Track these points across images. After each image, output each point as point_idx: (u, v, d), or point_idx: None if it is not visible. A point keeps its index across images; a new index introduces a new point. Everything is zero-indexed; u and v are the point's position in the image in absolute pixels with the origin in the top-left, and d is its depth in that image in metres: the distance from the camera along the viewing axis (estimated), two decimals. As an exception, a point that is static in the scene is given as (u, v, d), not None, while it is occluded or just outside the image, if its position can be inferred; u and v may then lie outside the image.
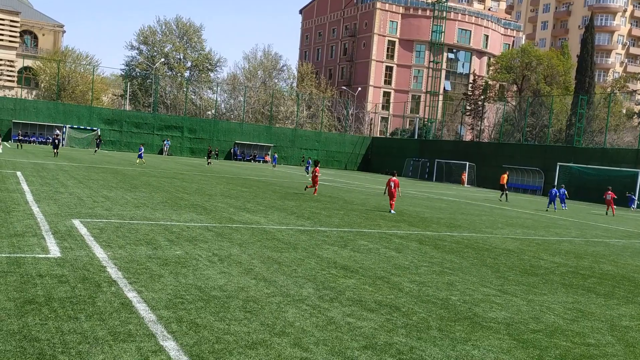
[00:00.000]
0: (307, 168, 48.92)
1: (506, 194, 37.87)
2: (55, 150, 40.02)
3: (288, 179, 37.76)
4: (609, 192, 33.25)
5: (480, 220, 22.16)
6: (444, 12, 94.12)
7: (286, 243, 12.37)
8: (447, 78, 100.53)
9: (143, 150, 40.72)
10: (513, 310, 8.36)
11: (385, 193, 22.96)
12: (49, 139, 59.59)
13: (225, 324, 6.46)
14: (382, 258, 11.68)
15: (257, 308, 7.22)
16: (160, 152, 64.49)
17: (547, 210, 31.12)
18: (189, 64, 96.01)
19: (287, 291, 8.21)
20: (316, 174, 26.33)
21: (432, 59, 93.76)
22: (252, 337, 6.12)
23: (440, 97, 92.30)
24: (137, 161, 39.23)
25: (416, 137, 77.98)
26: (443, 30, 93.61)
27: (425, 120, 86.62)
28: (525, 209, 31.03)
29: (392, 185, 21.96)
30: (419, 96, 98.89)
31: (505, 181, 38.62)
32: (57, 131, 56.68)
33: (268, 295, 7.90)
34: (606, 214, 33.20)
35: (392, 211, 21.49)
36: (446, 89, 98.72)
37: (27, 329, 5.71)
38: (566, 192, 34.10)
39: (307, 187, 27.69)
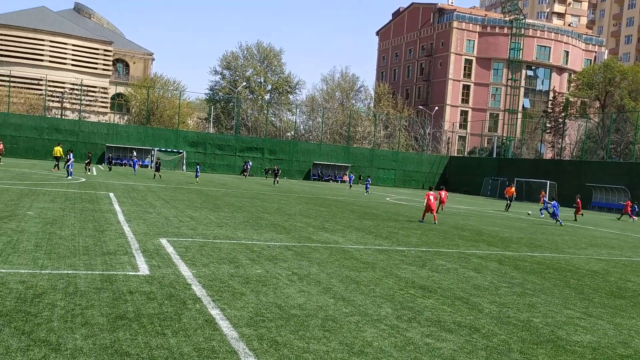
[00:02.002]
0: (366, 187, 48.37)
1: (509, 205, 39.06)
2: (157, 173, 42.04)
3: (366, 199, 37.75)
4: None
5: (562, 240, 21.36)
6: (522, 29, 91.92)
7: (364, 262, 12.41)
8: (526, 95, 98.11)
9: (200, 169, 42.60)
10: (599, 334, 8.04)
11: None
12: (144, 162, 62.46)
13: (304, 343, 6.55)
14: (460, 278, 11.52)
15: (336, 327, 7.28)
16: (242, 173, 66.06)
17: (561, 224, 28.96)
18: (269, 87, 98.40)
19: (365, 310, 8.25)
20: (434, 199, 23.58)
21: (510, 77, 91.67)
22: (331, 356, 6.18)
23: (519, 115, 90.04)
24: (197, 180, 40.06)
25: (494, 156, 76.16)
26: (521, 47, 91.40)
27: (504, 138, 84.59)
28: (610, 229, 29.64)
29: (432, 199, 22.83)
30: (497, 114, 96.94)
31: (511, 194, 40.24)
32: (135, 153, 59.40)
33: (346, 314, 7.96)
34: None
35: (435, 222, 22.80)
36: (525, 106, 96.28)
37: (119, 344, 5.98)
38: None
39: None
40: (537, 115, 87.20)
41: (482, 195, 65.90)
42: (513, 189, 41.24)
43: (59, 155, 40.91)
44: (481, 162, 73.48)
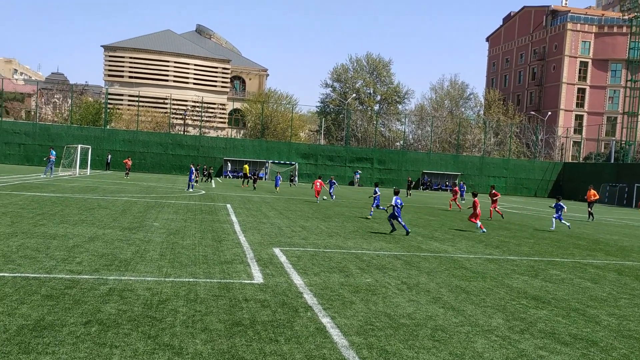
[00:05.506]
0: (461, 193, 46.67)
1: (590, 213, 31.37)
2: (254, 185, 43.86)
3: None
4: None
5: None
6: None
7: (474, 272, 12.22)
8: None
9: (281, 179, 44.32)
10: None
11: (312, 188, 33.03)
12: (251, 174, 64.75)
13: (414, 352, 6.59)
14: (576, 289, 11.05)
15: (446, 337, 7.26)
16: (351, 184, 66.63)
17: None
18: (379, 97, 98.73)
19: (475, 321, 8.15)
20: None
21: (629, 78, 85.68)
22: (440, 366, 6.19)
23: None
24: (277, 190, 40.83)
25: (612, 161, 71.68)
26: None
27: (623, 142, 79.42)
28: None
29: (319, 185, 31.78)
30: (615, 118, 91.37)
31: (592, 199, 31.57)
32: (230, 165, 61.63)
33: (456, 324, 7.91)
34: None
35: (325, 198, 32.99)
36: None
37: (235, 349, 6.30)
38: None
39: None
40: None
41: (598, 202, 62.10)
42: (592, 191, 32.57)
43: (246, 172, 45.93)
44: (597, 168, 69.50)
